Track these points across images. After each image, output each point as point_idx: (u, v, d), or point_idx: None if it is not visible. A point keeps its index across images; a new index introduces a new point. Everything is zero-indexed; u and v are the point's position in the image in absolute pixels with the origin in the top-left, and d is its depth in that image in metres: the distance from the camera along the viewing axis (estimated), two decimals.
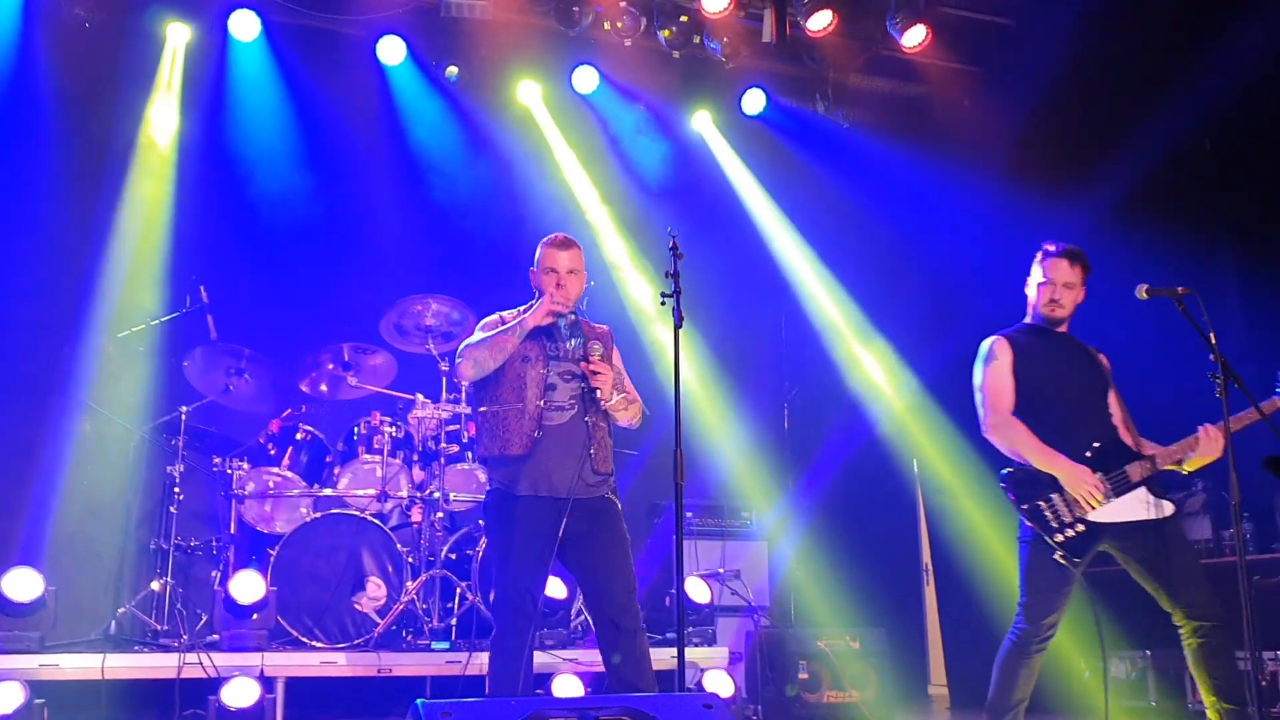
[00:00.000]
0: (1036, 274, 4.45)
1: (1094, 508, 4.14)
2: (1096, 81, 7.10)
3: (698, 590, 6.21)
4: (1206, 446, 4.17)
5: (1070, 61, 6.98)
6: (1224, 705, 4.07)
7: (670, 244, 3.99)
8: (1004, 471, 4.32)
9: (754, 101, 7.97)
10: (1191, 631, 4.14)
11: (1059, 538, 4.14)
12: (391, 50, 7.22)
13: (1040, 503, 4.19)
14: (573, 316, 4.24)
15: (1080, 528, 4.15)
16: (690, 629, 6.06)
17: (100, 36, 6.77)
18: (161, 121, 6.88)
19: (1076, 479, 4.15)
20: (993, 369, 4.37)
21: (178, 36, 6.95)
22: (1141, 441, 4.35)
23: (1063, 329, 4.48)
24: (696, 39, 7.49)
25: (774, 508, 7.77)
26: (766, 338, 8.32)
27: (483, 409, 4.30)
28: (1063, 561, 4.12)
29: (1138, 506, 4.19)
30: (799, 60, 7.79)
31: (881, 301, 8.15)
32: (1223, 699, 4.08)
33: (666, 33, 7.41)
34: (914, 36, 7.36)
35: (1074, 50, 6.92)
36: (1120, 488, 4.18)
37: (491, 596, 5.03)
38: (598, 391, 4.13)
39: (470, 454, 6.23)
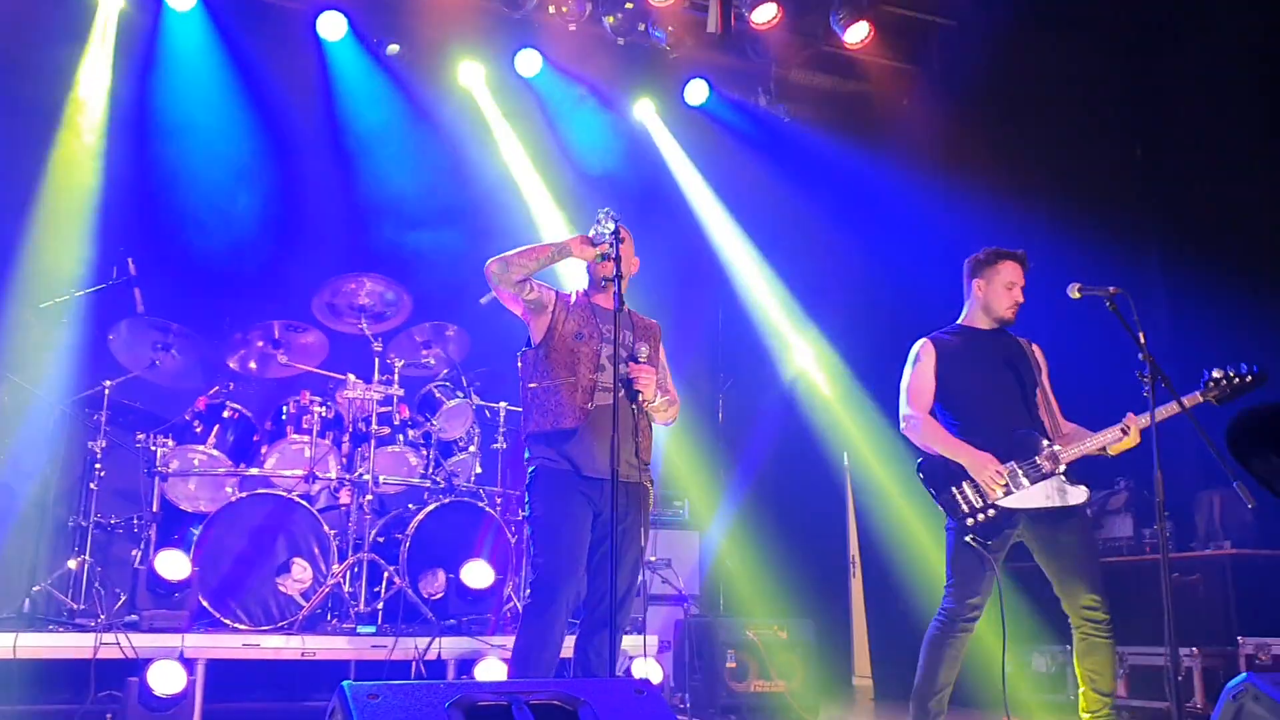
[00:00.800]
0: (1003, 274, 4.56)
1: (996, 493, 4.30)
2: (1033, 84, 7.20)
3: None
4: (1130, 437, 4.31)
5: (1007, 63, 7.08)
6: (1094, 695, 4.31)
7: (612, 228, 3.97)
8: (919, 462, 4.50)
9: (697, 92, 7.99)
10: (1077, 624, 4.34)
11: (970, 522, 4.32)
12: (332, 25, 7.12)
13: (953, 489, 4.37)
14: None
15: (991, 513, 4.31)
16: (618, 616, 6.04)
17: (28, 4, 6.57)
18: (92, 89, 6.69)
19: (979, 466, 4.33)
20: (917, 370, 4.58)
21: (110, 2, 6.76)
22: (1071, 430, 4.50)
23: (996, 326, 4.61)
24: (641, 27, 7.49)
25: (706, 497, 7.81)
26: (702, 327, 8.35)
27: (532, 385, 4.29)
28: (975, 545, 4.29)
29: (1049, 494, 4.35)
30: (743, 53, 7.81)
31: (817, 294, 8.21)
32: (1092, 688, 4.32)
33: (611, 19, 7.40)
34: (856, 33, 7.42)
35: (1012, 52, 7.01)
36: (1033, 475, 4.34)
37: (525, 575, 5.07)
38: (640, 395, 4.10)
39: (401, 436, 6.17)
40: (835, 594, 8.43)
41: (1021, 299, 4.56)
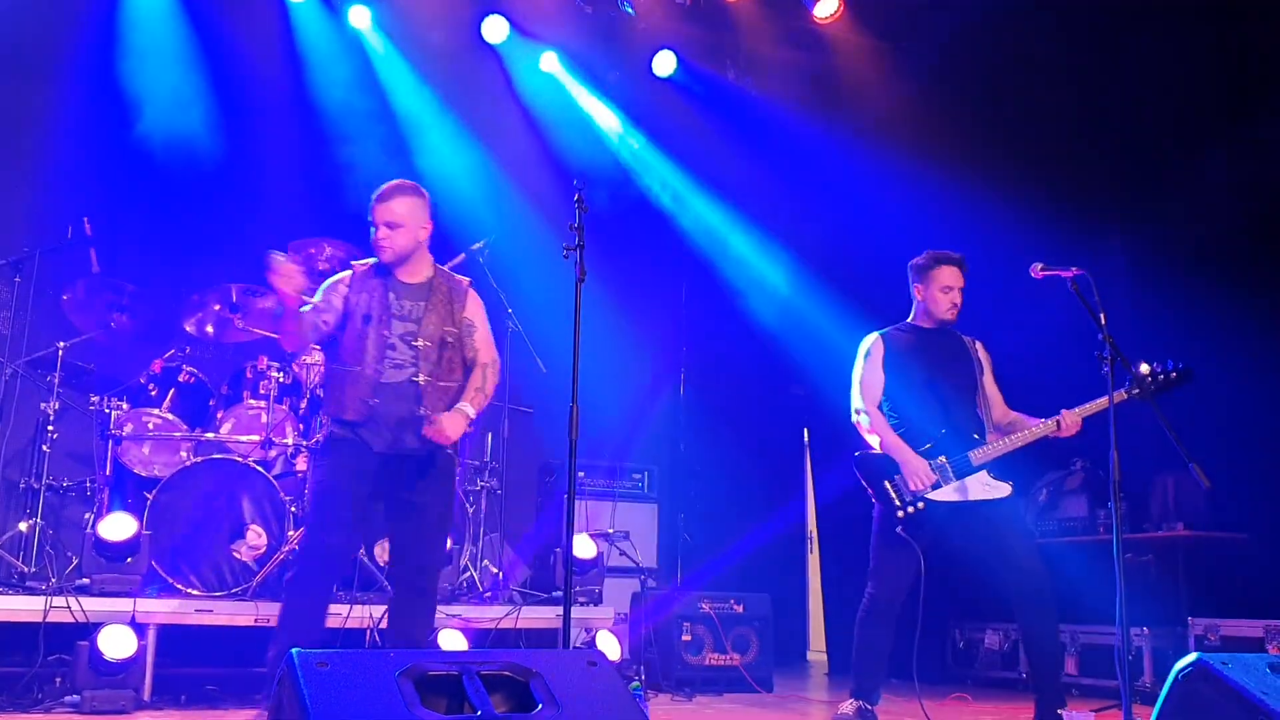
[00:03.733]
0: (940, 279, 4.76)
1: (922, 489, 4.54)
2: (1000, 62, 7.21)
3: (584, 548, 6.20)
4: (1067, 430, 4.58)
5: (976, 41, 7.08)
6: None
7: (575, 197, 3.94)
8: (855, 455, 4.75)
9: (664, 63, 7.93)
10: (1017, 608, 4.58)
11: (900, 514, 4.56)
12: None
13: (885, 483, 4.62)
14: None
15: (920, 505, 4.55)
16: (576, 588, 6.05)
17: None
18: (52, 45, 6.53)
19: (908, 465, 4.56)
20: (867, 365, 4.82)
21: None
22: (1013, 419, 4.75)
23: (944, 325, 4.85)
24: None
25: (665, 470, 7.81)
26: (667, 300, 8.33)
27: (331, 363, 4.36)
28: (904, 535, 4.53)
29: (976, 488, 4.59)
30: (712, 25, 7.76)
31: (782, 271, 8.20)
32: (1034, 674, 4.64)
33: None
34: (826, 7, 7.40)
35: (980, 30, 7.01)
36: (962, 470, 4.58)
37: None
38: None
39: None
40: (792, 569, 8.49)
41: (959, 300, 4.76)
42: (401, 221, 4.25)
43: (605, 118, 8.11)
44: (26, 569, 5.42)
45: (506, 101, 7.80)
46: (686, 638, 6.17)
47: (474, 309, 4.47)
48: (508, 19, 7.49)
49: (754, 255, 8.24)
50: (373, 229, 4.27)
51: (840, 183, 7.79)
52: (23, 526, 5.53)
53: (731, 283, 8.26)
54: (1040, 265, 4.25)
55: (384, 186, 4.29)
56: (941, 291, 4.74)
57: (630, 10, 7.48)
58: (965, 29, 7.04)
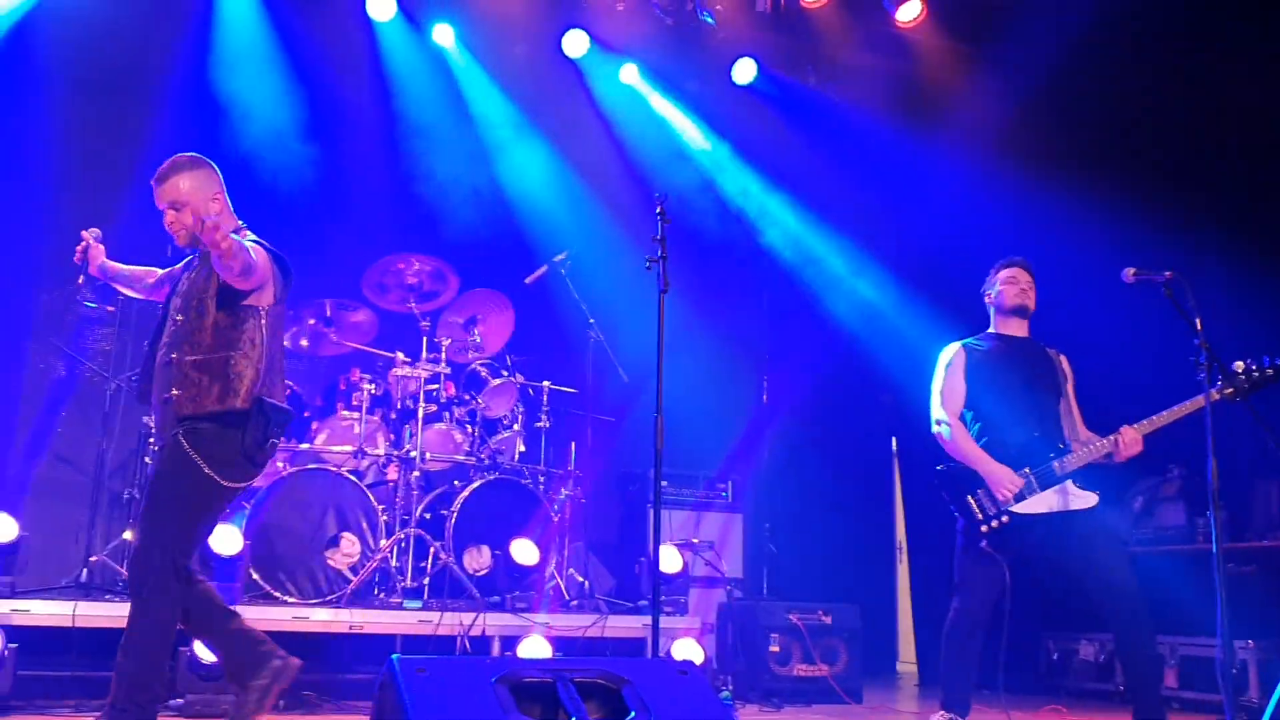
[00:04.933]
0: (1003, 276, 4.80)
1: (1007, 501, 4.46)
2: (1091, 65, 7.07)
3: (669, 559, 6.22)
4: (1125, 448, 4.48)
5: (1064, 41, 6.95)
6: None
7: (657, 209, 3.96)
8: (937, 469, 4.70)
9: (745, 71, 7.93)
10: (1110, 619, 4.48)
11: (984, 529, 4.49)
12: (381, 6, 7.14)
13: (969, 497, 4.56)
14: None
15: (1005, 519, 4.48)
16: (662, 598, 6.06)
17: None
18: (142, 60, 6.77)
19: (995, 480, 4.49)
20: (947, 374, 4.77)
21: None
22: (1084, 436, 4.66)
23: (1024, 333, 4.80)
24: (690, 5, 7.45)
25: (751, 480, 7.79)
26: (749, 309, 8.31)
27: None
28: (989, 550, 4.47)
29: (1062, 498, 4.51)
30: (792, 32, 7.74)
31: (866, 278, 8.14)
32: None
33: None
34: (908, 11, 7.34)
35: (1070, 32, 6.88)
36: (1046, 480, 4.50)
37: None
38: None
39: (448, 414, 6.21)
40: (881, 580, 8.40)
41: (1027, 289, 4.74)
42: (186, 200, 3.86)
43: (686, 127, 8.14)
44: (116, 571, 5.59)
45: (587, 114, 7.87)
46: (774, 648, 6.16)
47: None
48: (588, 33, 7.56)
49: (838, 262, 8.19)
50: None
51: (924, 188, 7.72)
52: (127, 535, 5.70)
53: (815, 290, 8.22)
54: (1132, 270, 4.17)
55: (160, 167, 3.90)
56: (1006, 283, 4.75)
57: (710, 20, 7.51)
58: (1051, 30, 6.92)
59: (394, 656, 2.66)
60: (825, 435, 8.29)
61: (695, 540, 6.85)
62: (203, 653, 4.77)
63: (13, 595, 4.92)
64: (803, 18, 7.57)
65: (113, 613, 4.98)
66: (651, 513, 6.93)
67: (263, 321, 3.87)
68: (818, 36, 7.76)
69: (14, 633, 4.69)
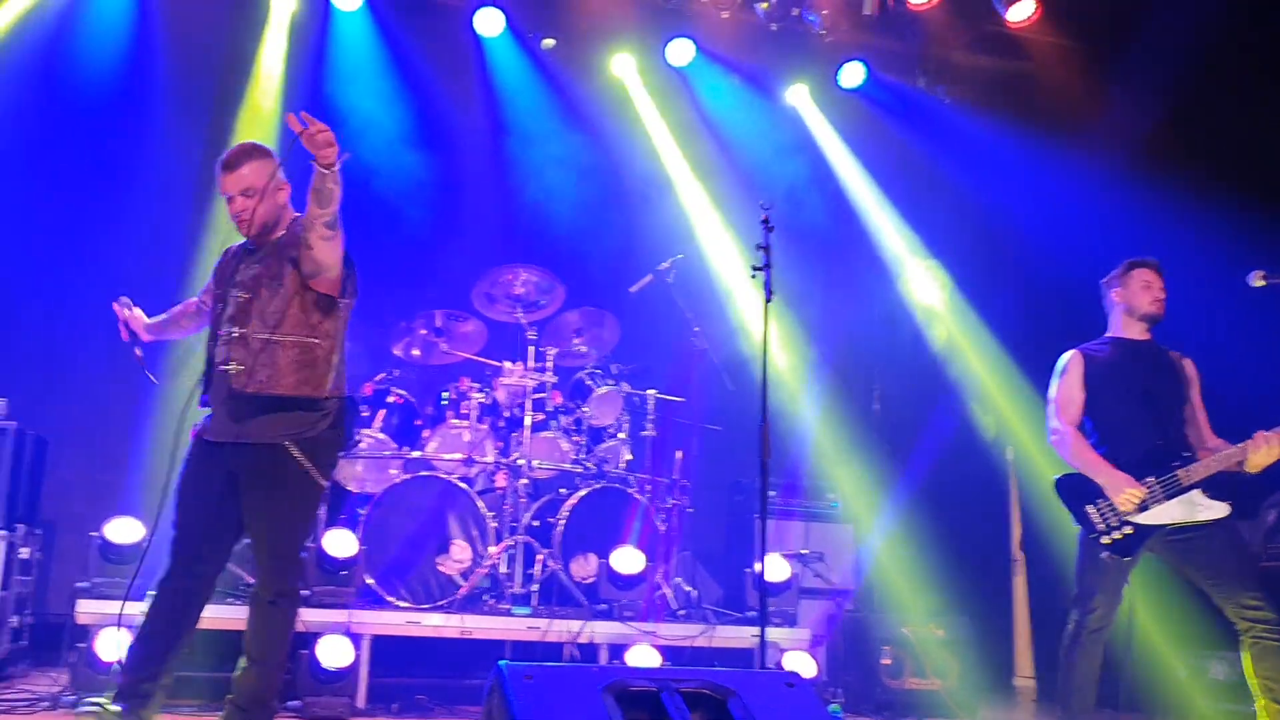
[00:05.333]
0: (1139, 277, 4.63)
1: (1130, 511, 4.33)
2: (1210, 60, 6.80)
3: (777, 569, 6.17)
4: (1260, 455, 4.26)
5: (1183, 39, 6.70)
6: (1275, 707, 4.28)
7: (762, 217, 3.94)
8: (1056, 479, 4.57)
9: (852, 75, 7.84)
10: (1244, 633, 4.31)
11: (1106, 539, 4.36)
12: (489, 22, 7.25)
13: (1089, 507, 4.42)
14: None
15: (1128, 529, 4.35)
16: (770, 608, 6.03)
17: (209, 6, 6.90)
18: (265, 86, 6.99)
19: (1114, 487, 4.35)
20: (1065, 382, 4.64)
21: (283, 6, 7.05)
22: (1212, 444, 4.49)
23: (1145, 337, 4.66)
24: (795, 11, 7.41)
25: (861, 490, 7.68)
26: (859, 317, 8.20)
27: None
28: (1111, 561, 4.34)
29: (1188, 509, 4.35)
30: (900, 35, 7.65)
31: (979, 284, 7.97)
32: (1273, 699, 4.30)
33: (765, 5, 7.34)
34: (1020, 11, 7.17)
35: (1187, 27, 6.64)
36: (1171, 490, 4.34)
37: None
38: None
39: (554, 423, 6.27)
40: (996, 592, 8.18)
41: (1162, 296, 4.58)
42: (257, 187, 3.78)
43: (793, 133, 8.08)
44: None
45: (692, 122, 7.87)
46: (886, 661, 6.08)
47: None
48: (693, 41, 7.56)
49: (947, 267, 8.04)
50: (226, 203, 3.83)
51: (1038, 191, 7.53)
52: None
53: (929, 296, 8.08)
54: (1261, 274, 4.02)
55: (227, 152, 3.84)
56: (1142, 288, 4.60)
57: (816, 24, 7.44)
58: (1173, 27, 6.69)
59: (502, 663, 2.69)
60: (939, 443, 8.12)
61: (804, 551, 6.78)
62: (323, 656, 4.89)
63: (139, 597, 5.10)
64: (910, 20, 7.46)
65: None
66: (758, 522, 7.00)
67: (339, 314, 3.86)
68: (926, 38, 7.64)
69: None
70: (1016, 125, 7.65)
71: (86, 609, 4.90)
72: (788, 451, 7.49)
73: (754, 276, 3.89)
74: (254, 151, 3.81)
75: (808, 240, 7.70)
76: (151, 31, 6.76)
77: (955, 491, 8.03)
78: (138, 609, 4.91)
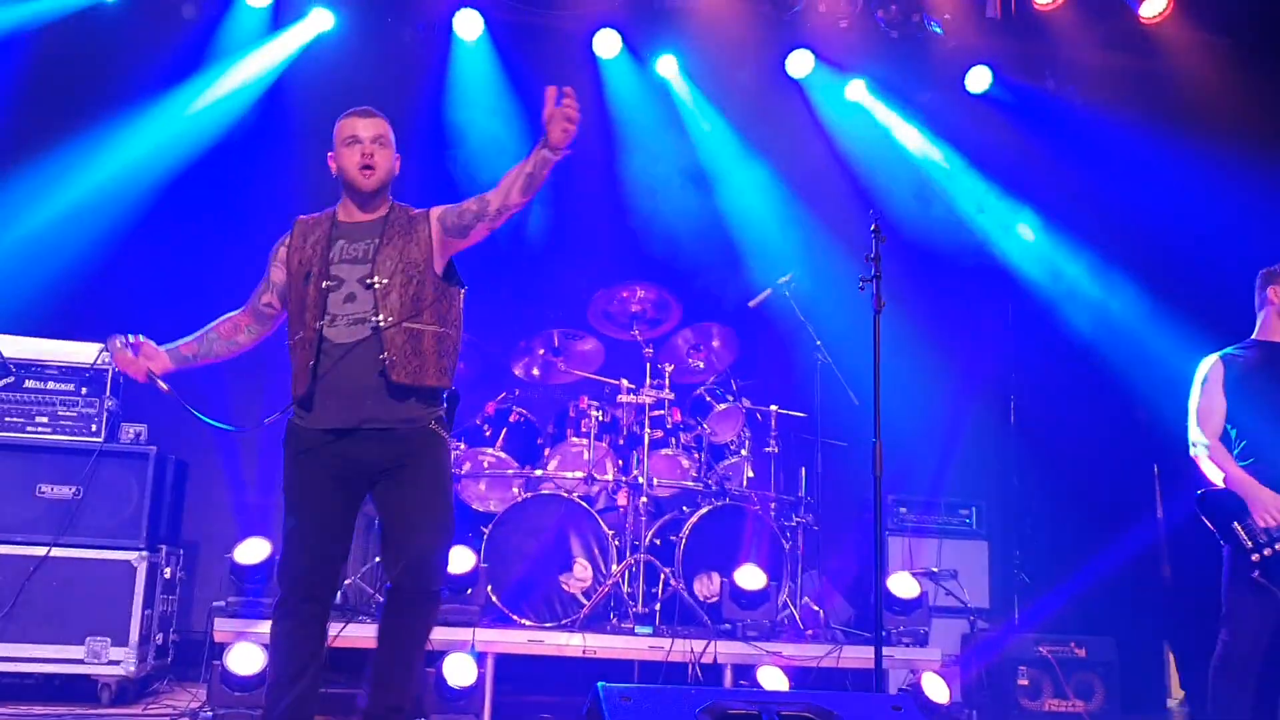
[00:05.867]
0: None
1: (1277, 528, 4.13)
2: None
3: (906, 587, 6.01)
4: None
5: None
6: None
7: (872, 227, 3.87)
8: (1198, 493, 4.39)
9: (979, 79, 7.63)
10: None
11: (1255, 557, 4.18)
12: (607, 43, 7.31)
13: (1235, 524, 4.23)
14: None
15: (1278, 546, 4.16)
16: (900, 628, 5.89)
17: (335, 40, 7.14)
18: (393, 116, 7.17)
19: (1259, 503, 4.18)
20: (1205, 391, 4.46)
21: (408, 39, 7.25)
22: None
23: None
24: (916, 17, 7.25)
25: (996, 505, 7.44)
26: (990, 326, 7.95)
27: (285, 344, 3.73)
28: (1261, 580, 4.16)
29: None
30: (1026, 36, 7.41)
31: (1117, 290, 7.65)
32: None
33: (884, 12, 7.20)
34: (1153, 6, 6.89)
35: None
36: None
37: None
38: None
39: (674, 440, 6.25)
40: (1142, 611, 7.81)
41: None
42: (389, 139, 3.70)
43: (916, 141, 7.91)
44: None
45: (811, 134, 7.77)
46: (1023, 682, 5.88)
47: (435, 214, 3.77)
48: (813, 51, 7.48)
49: (1086, 276, 7.74)
50: (349, 148, 3.64)
51: (1179, 193, 7.18)
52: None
53: (1062, 305, 7.79)
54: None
55: (359, 108, 3.76)
56: None
57: (938, 30, 7.28)
58: None
59: (600, 685, 2.68)
60: (1078, 457, 7.80)
61: (935, 569, 6.59)
62: (450, 674, 4.95)
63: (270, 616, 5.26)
64: (1037, 21, 7.23)
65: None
66: (888, 540, 6.84)
67: (459, 303, 3.76)
68: (1054, 39, 7.38)
69: None
70: (1153, 125, 7.33)
71: (223, 627, 5.07)
72: (922, 467, 7.32)
73: (863, 288, 3.82)
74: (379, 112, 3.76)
75: (937, 248, 7.52)
76: (285, 67, 7.03)
77: (1098, 507, 7.70)
78: (267, 626, 5.12)
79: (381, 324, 3.50)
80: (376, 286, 3.54)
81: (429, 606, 3.62)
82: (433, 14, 7.12)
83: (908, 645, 5.82)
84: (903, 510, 7.00)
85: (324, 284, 3.57)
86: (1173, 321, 7.19)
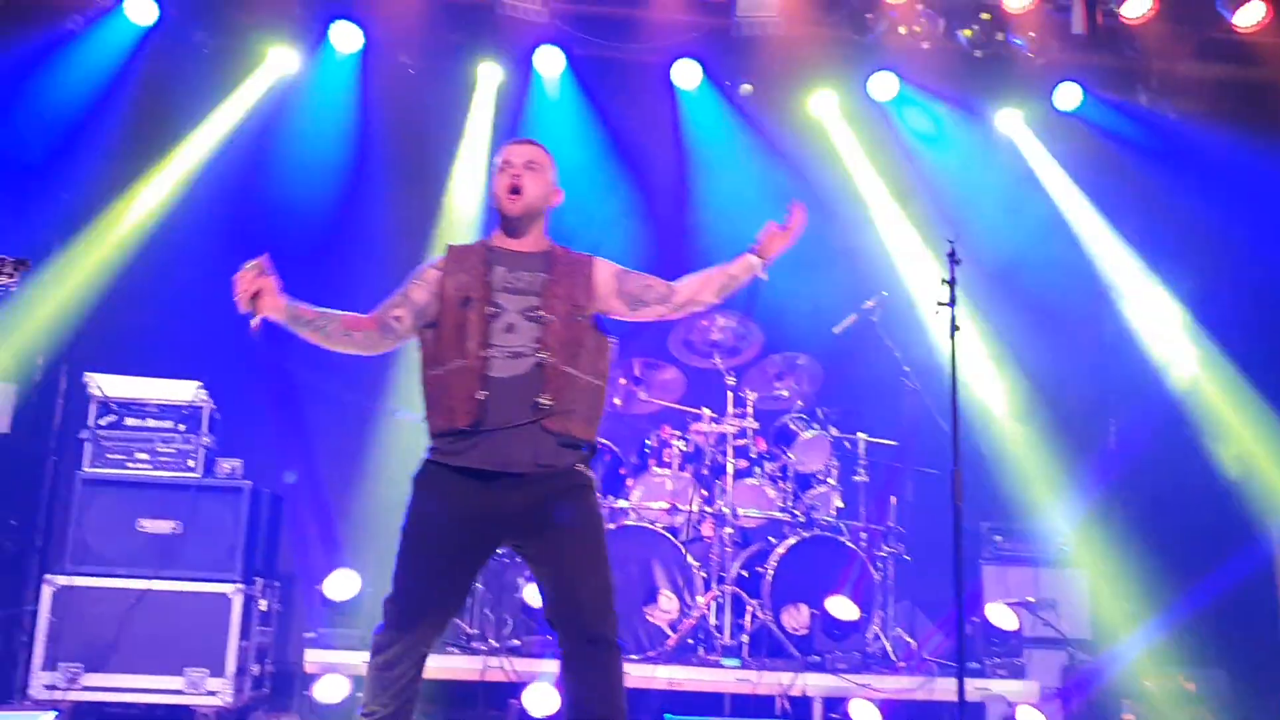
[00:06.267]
0: None
1: None
2: None
3: (1003, 618, 5.86)
4: None
5: None
6: None
7: (949, 250, 3.79)
8: None
9: (1068, 97, 7.46)
10: None
11: None
12: (687, 74, 7.34)
13: None
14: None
15: None
16: (995, 659, 5.75)
17: (421, 81, 7.30)
18: (473, 154, 7.33)
19: None
20: None
21: (490, 76, 7.37)
22: None
23: None
24: (1000, 36, 7.11)
25: (1096, 531, 7.20)
26: (1086, 350, 7.73)
27: (427, 375, 3.47)
28: None
29: None
30: (1116, 50, 7.21)
31: (1222, 314, 7.38)
32: None
33: (967, 32, 7.09)
34: (1249, 15, 6.65)
35: None
36: None
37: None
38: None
39: (759, 469, 6.20)
40: (1257, 640, 7.48)
41: None
42: (543, 166, 3.57)
43: (1004, 160, 7.76)
44: (471, 630, 5.93)
45: (896, 155, 7.68)
46: (1127, 716, 5.71)
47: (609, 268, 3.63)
48: (897, 74, 7.41)
49: (1184, 292, 7.49)
50: (500, 174, 3.52)
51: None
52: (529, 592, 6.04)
53: (1159, 323, 7.56)
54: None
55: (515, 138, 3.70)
56: None
57: (1024, 48, 7.14)
58: None
59: (666, 716, 2.65)
60: (1183, 480, 7.53)
61: (1032, 599, 6.40)
62: (531, 705, 4.96)
63: (362, 647, 5.33)
64: (1126, 34, 7.03)
65: (450, 665, 5.33)
66: (983, 569, 6.67)
67: (610, 357, 3.59)
68: (1145, 52, 7.17)
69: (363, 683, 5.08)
70: (1253, 136, 7.08)
71: (312, 658, 5.17)
72: (1017, 493, 7.13)
73: (938, 311, 3.74)
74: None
75: (1026, 270, 7.36)
76: (368, 106, 7.20)
77: (1206, 535, 7.42)
78: (358, 658, 5.20)
79: (545, 360, 3.33)
80: (545, 320, 3.37)
81: (615, 659, 3.35)
82: (513, 51, 7.22)
83: (1003, 677, 5.68)
84: (998, 538, 6.82)
85: (486, 309, 3.37)
86: (1276, 344, 6.93)
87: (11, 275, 3.57)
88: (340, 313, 3.51)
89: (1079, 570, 6.85)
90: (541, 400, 3.27)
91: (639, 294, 3.57)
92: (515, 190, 3.46)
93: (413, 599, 3.32)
